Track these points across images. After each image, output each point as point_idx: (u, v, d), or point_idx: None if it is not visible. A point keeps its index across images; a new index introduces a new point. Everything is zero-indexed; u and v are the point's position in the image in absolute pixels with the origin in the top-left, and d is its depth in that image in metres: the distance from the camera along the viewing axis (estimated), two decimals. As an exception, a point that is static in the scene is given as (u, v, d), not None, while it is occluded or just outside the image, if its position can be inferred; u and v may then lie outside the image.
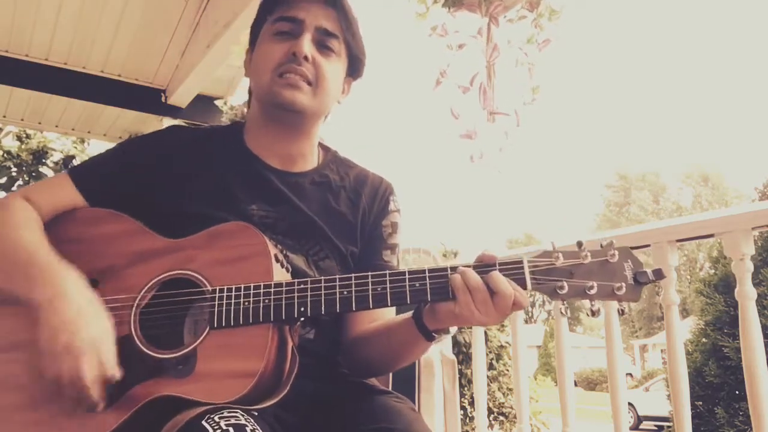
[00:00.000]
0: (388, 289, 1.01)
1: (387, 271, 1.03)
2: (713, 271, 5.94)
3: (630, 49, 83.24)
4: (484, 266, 1.00)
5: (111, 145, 1.51)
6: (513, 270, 1.00)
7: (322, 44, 1.21)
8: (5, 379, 1.04)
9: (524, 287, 0.99)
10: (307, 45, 1.17)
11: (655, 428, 15.33)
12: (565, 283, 0.99)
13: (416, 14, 1.90)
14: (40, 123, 4.44)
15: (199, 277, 1.06)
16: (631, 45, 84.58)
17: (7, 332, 1.07)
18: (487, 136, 1.81)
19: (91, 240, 1.14)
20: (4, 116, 4.34)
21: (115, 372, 0.98)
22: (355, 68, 1.30)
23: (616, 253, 0.99)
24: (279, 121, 1.23)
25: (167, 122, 3.79)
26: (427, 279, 1.01)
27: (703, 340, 5.51)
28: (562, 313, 1.07)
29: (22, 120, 4.40)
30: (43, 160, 5.36)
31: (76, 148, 5.63)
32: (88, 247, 1.12)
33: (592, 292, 0.98)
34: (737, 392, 5.08)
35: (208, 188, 1.19)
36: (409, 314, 1.12)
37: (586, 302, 1.01)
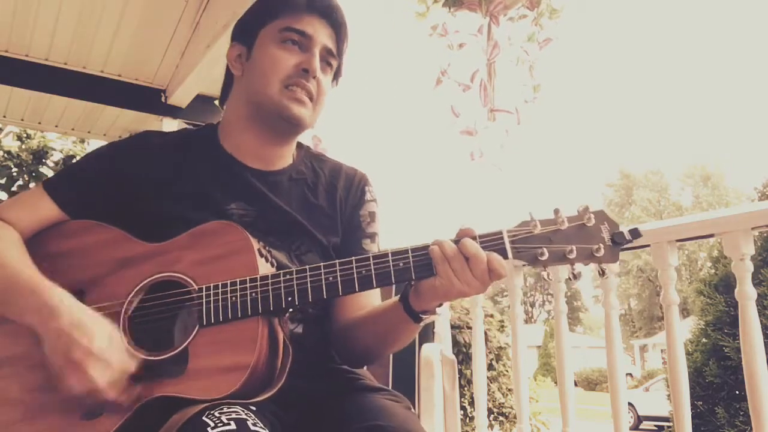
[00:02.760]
0: (373, 271, 1.02)
1: (371, 254, 1.04)
2: (713, 271, 5.93)
3: (631, 48, 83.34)
4: (462, 237, 1.02)
5: (111, 144, 1.48)
6: (493, 241, 1.02)
7: (324, 62, 1.26)
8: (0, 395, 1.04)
9: (505, 257, 1.01)
10: (317, 63, 1.22)
11: (655, 428, 15.33)
12: (545, 250, 1.00)
13: (416, 14, 1.90)
14: (40, 123, 4.43)
15: (185, 278, 1.06)
16: (632, 43, 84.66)
17: None
18: (487, 133, 1.81)
19: (73, 252, 1.14)
20: (4, 116, 4.33)
21: (127, 366, 0.98)
22: (335, 79, 1.35)
23: (592, 216, 1.01)
24: (273, 129, 1.25)
25: (167, 122, 3.78)
26: (410, 257, 1.02)
27: (704, 340, 5.51)
28: (545, 278, 1.07)
29: (22, 120, 4.39)
30: (43, 160, 5.35)
31: (76, 147, 5.63)
32: (72, 260, 1.13)
33: (572, 256, 1.00)
34: (737, 392, 5.08)
35: (185, 191, 1.20)
36: (395, 298, 1.13)
37: (568, 268, 1.03)
